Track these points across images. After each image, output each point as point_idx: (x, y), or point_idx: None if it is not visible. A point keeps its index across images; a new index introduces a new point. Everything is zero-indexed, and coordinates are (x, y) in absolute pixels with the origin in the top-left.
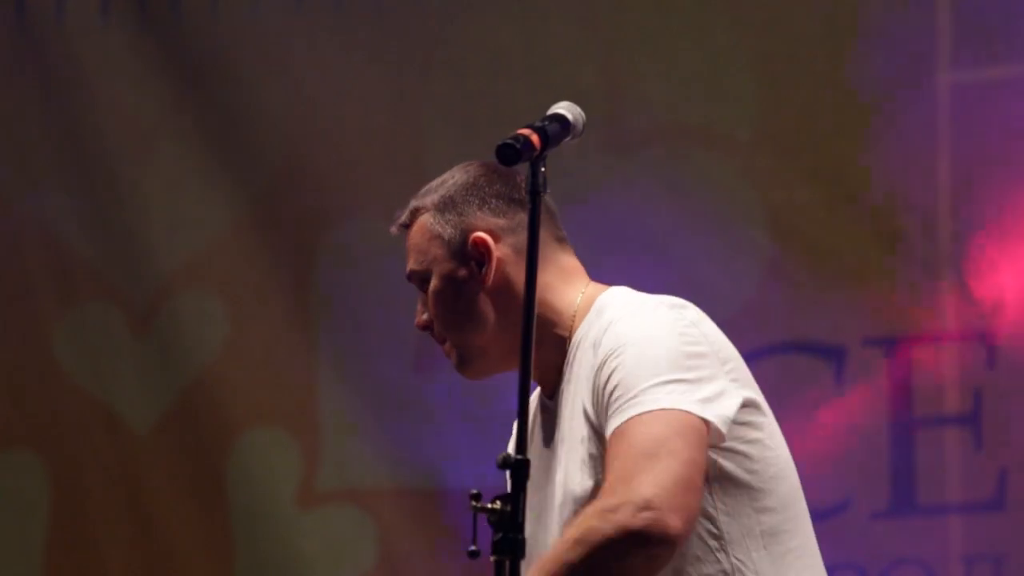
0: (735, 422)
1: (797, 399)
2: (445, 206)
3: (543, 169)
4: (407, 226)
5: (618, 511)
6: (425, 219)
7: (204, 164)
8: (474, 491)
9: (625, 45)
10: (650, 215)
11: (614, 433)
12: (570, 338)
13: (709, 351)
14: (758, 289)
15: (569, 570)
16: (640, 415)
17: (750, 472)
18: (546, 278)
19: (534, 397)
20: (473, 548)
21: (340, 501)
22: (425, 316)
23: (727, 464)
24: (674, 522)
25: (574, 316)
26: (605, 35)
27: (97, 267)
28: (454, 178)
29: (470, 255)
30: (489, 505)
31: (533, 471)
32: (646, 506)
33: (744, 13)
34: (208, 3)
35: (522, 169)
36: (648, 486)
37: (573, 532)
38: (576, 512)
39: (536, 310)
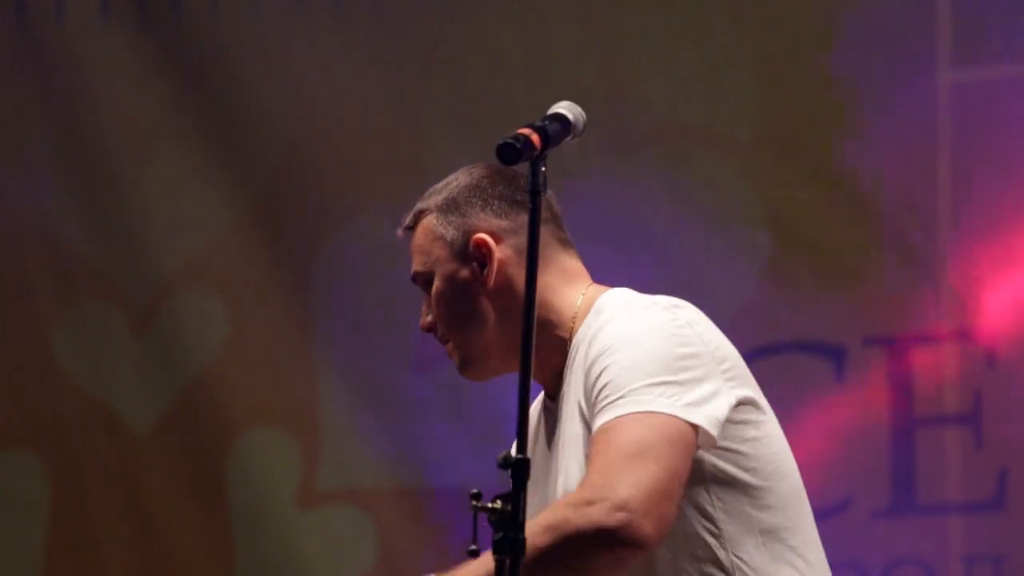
0: (730, 421)
1: (797, 398)
2: (448, 208)
3: (543, 169)
4: (411, 228)
5: (594, 507)
6: (429, 221)
7: (204, 164)
8: (474, 491)
9: (625, 45)
10: (650, 215)
11: (600, 429)
12: (571, 340)
13: (704, 351)
14: (758, 289)
15: (535, 553)
16: (627, 415)
17: (747, 470)
18: (547, 279)
19: (538, 399)
20: (473, 548)
21: (340, 501)
22: (429, 318)
23: (722, 464)
24: (647, 528)
25: (574, 317)
26: (605, 35)
27: (97, 267)
28: (457, 180)
29: (472, 256)
30: (490, 504)
31: (535, 471)
32: (622, 507)
33: (744, 13)
34: (208, 3)
35: (526, 171)
36: (628, 488)
37: (547, 518)
38: None
39: (537, 311)
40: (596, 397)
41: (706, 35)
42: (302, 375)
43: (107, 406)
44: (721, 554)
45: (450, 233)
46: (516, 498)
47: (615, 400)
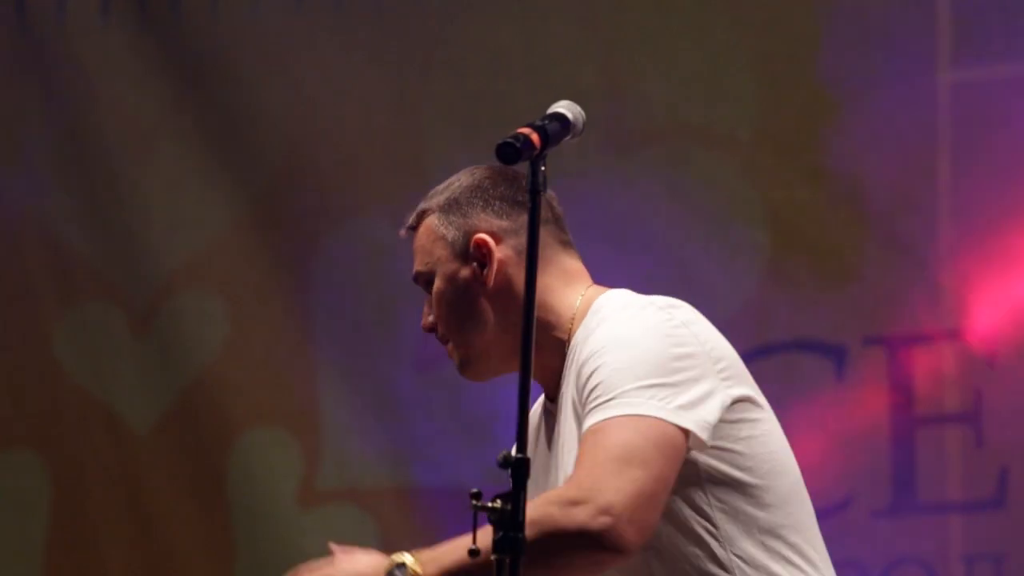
0: (725, 421)
1: (798, 398)
2: (450, 208)
3: (543, 168)
4: (414, 228)
5: (579, 508)
6: (431, 221)
7: (204, 164)
8: (474, 490)
9: (625, 45)
10: (650, 214)
11: (589, 430)
12: (569, 341)
13: (699, 351)
14: (758, 288)
15: None
16: (618, 417)
17: (743, 469)
18: (546, 280)
19: (539, 401)
20: (473, 547)
21: (340, 501)
22: (431, 318)
23: (717, 464)
24: (629, 534)
25: (572, 319)
26: (605, 35)
27: (97, 267)
28: (460, 181)
29: (472, 256)
30: (490, 504)
31: (535, 472)
32: (607, 511)
33: (744, 13)
34: (208, 3)
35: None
36: (614, 492)
37: (531, 512)
38: None
39: (536, 312)
40: (587, 397)
41: (706, 35)
42: (302, 375)
43: (107, 406)
44: (720, 552)
45: (451, 233)
46: (516, 497)
47: (606, 401)
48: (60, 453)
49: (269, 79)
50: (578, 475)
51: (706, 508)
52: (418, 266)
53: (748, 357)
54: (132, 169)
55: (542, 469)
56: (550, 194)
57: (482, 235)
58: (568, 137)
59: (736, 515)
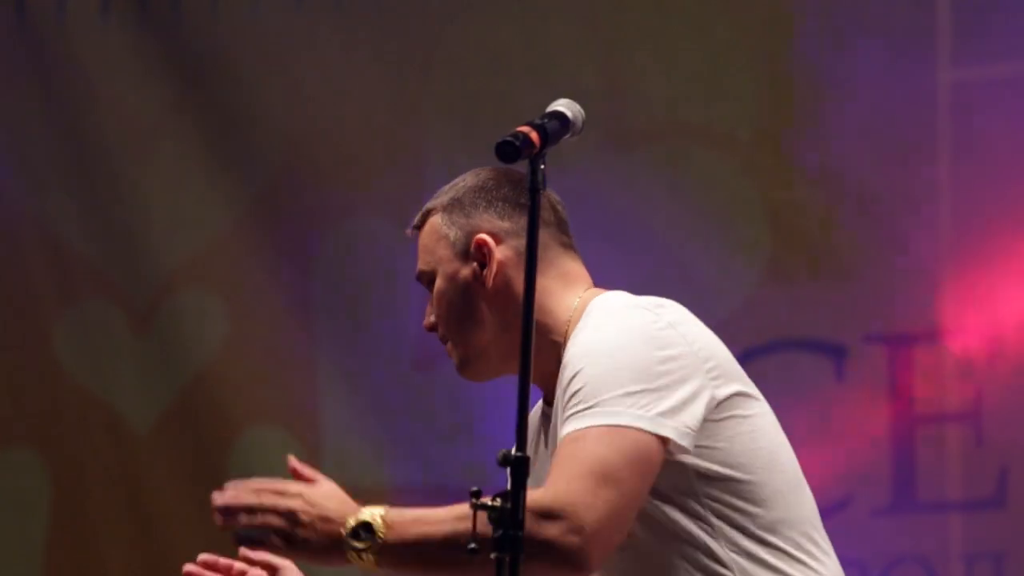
0: (713, 420)
1: (798, 397)
2: (453, 207)
3: (543, 167)
4: (419, 227)
5: (552, 522)
6: (435, 220)
7: (204, 164)
8: (474, 488)
9: (625, 44)
10: (650, 213)
11: (568, 437)
12: (565, 344)
13: (686, 351)
14: (758, 287)
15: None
16: (596, 428)
17: (735, 466)
18: (545, 282)
19: (538, 405)
20: (473, 545)
21: None
22: (432, 318)
23: (707, 464)
24: (594, 555)
25: (569, 321)
26: (605, 34)
27: (97, 266)
28: (465, 181)
29: (473, 256)
30: (489, 502)
31: (536, 473)
32: (579, 531)
33: (744, 12)
34: (208, 3)
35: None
36: (587, 511)
37: None
38: None
39: (535, 316)
40: (567, 402)
41: (706, 34)
42: (302, 374)
43: (107, 405)
44: (718, 550)
45: (453, 233)
46: (516, 496)
47: (585, 409)
48: (60, 453)
49: (269, 79)
50: (554, 486)
51: (699, 508)
52: (421, 265)
53: (748, 356)
54: (132, 169)
55: (542, 471)
56: (555, 198)
57: (483, 235)
58: (568, 136)
59: (732, 512)
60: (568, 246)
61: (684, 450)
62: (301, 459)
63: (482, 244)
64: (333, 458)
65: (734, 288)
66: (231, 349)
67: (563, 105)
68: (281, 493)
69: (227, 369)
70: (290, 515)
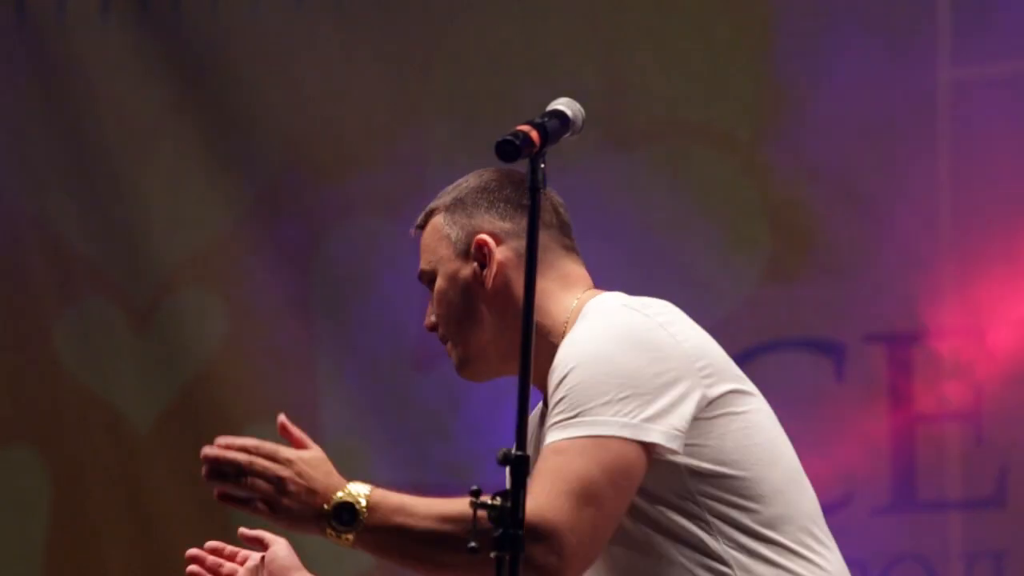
0: (704, 419)
1: (797, 395)
2: (455, 207)
3: (543, 166)
4: (422, 227)
5: (533, 542)
6: (437, 220)
7: (204, 164)
8: (474, 487)
9: (626, 42)
10: (650, 212)
11: (552, 448)
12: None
13: (676, 352)
14: (758, 286)
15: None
16: (580, 440)
17: (727, 463)
18: (545, 284)
19: (538, 407)
20: (473, 544)
21: None
22: (433, 317)
23: (698, 462)
24: (572, 573)
25: (566, 323)
26: (605, 33)
27: (97, 265)
28: (468, 182)
29: (473, 256)
30: (489, 501)
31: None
32: (559, 552)
33: (744, 11)
34: (208, 3)
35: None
36: (569, 532)
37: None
38: None
39: (534, 317)
40: (552, 408)
41: (706, 33)
42: (302, 373)
43: (108, 404)
44: (715, 546)
45: (455, 233)
46: (516, 495)
47: (568, 419)
48: (60, 452)
49: (269, 79)
50: (537, 502)
51: (694, 506)
52: (422, 264)
53: (748, 356)
54: (132, 169)
55: None
56: (557, 200)
57: (484, 236)
58: (568, 135)
59: (728, 509)
60: (570, 248)
61: (674, 451)
62: None
63: (482, 244)
64: (333, 458)
65: (734, 288)
66: (231, 348)
67: (563, 104)
68: (272, 457)
69: (227, 368)
70: (279, 483)
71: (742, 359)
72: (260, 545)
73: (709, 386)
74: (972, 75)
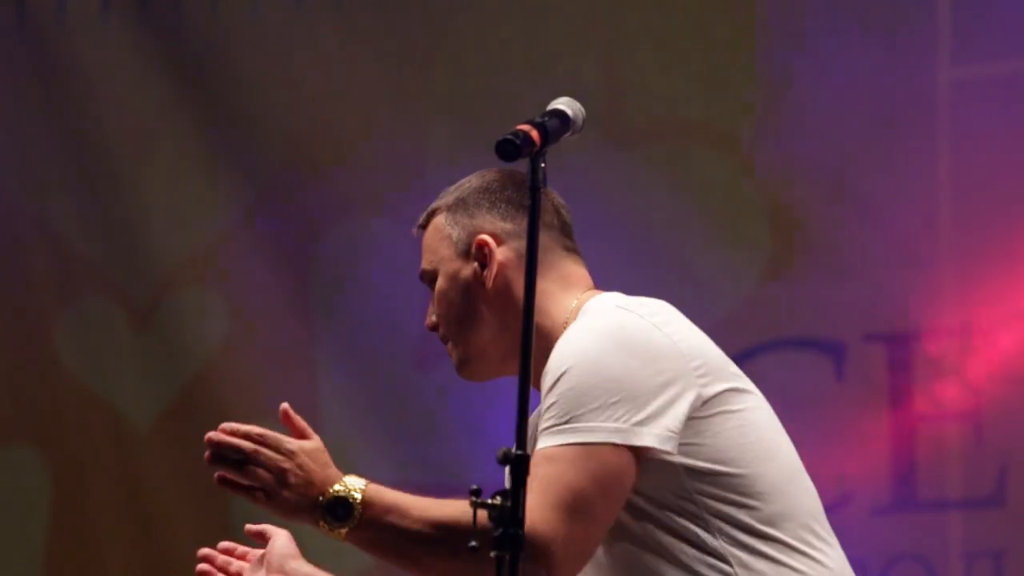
0: (699, 417)
1: (797, 396)
2: (457, 207)
3: (543, 165)
4: (424, 227)
5: (526, 555)
6: (439, 220)
7: (204, 163)
8: (474, 487)
9: (626, 41)
10: (650, 211)
11: (544, 455)
12: None
13: (670, 352)
14: (758, 285)
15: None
16: (571, 448)
17: (723, 461)
18: (545, 285)
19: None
20: (473, 543)
21: None
22: (434, 317)
23: (692, 461)
24: None
25: (565, 323)
26: (606, 31)
27: (97, 264)
28: (470, 182)
29: (474, 256)
30: (489, 501)
31: None
32: (548, 565)
33: (744, 11)
34: (208, 3)
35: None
36: (560, 548)
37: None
38: None
39: (534, 318)
40: (544, 413)
41: (706, 32)
42: (303, 372)
43: (108, 404)
44: (715, 544)
45: (456, 232)
46: (516, 494)
47: (560, 425)
48: (60, 451)
49: (269, 79)
50: (528, 515)
51: (692, 505)
52: (424, 264)
53: (748, 355)
54: (132, 169)
55: None
56: (559, 201)
57: (485, 236)
58: (568, 134)
59: (726, 506)
60: (571, 249)
61: (668, 453)
62: None
63: (483, 244)
64: (334, 455)
65: (734, 287)
66: (231, 348)
67: (563, 103)
68: (276, 448)
69: (227, 368)
70: (281, 474)
71: (742, 359)
72: (263, 539)
73: (704, 385)
74: (972, 75)
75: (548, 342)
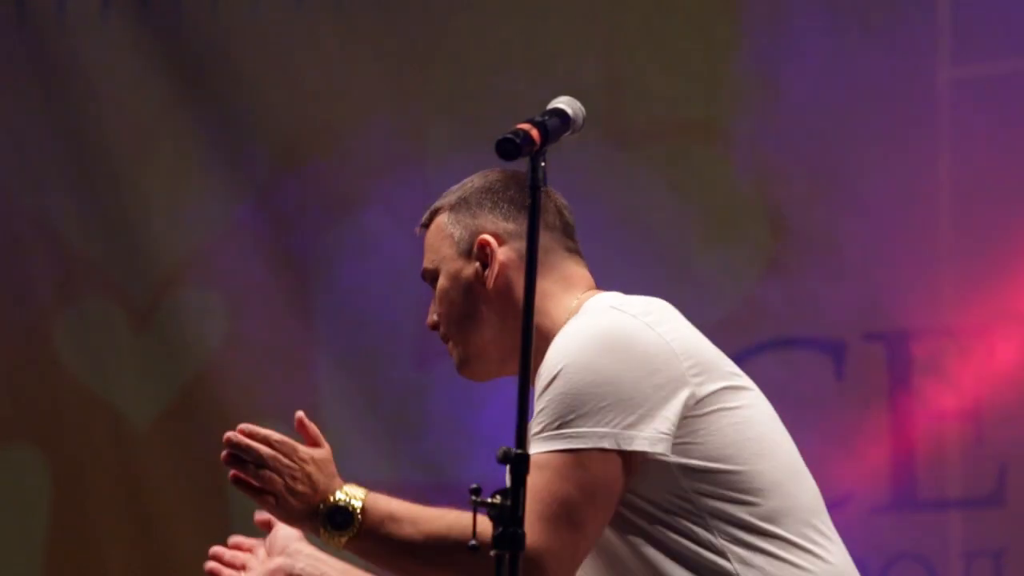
0: (694, 416)
1: (797, 394)
2: (459, 207)
3: (543, 164)
4: (426, 226)
5: (522, 568)
6: (441, 219)
7: (204, 162)
8: (474, 486)
9: (626, 40)
10: (650, 210)
11: (532, 460)
12: None
13: (664, 352)
14: (758, 284)
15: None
16: (560, 454)
17: (719, 459)
18: (545, 285)
19: None
20: (473, 543)
21: None
22: (435, 316)
23: (687, 460)
24: None
25: (565, 324)
26: (606, 32)
27: (97, 264)
28: (473, 182)
29: (476, 256)
30: (489, 500)
31: None
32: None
33: (744, 11)
34: (208, 3)
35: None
36: (551, 559)
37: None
38: None
39: (534, 318)
40: (536, 417)
41: (707, 31)
42: (302, 372)
43: (108, 403)
44: (714, 541)
45: (458, 232)
46: (515, 493)
47: (550, 431)
48: (60, 451)
49: (269, 79)
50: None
51: (690, 503)
52: (426, 263)
53: (748, 354)
54: (132, 168)
55: None
56: (561, 202)
57: (486, 236)
58: (568, 133)
59: (725, 504)
60: (572, 250)
61: (661, 454)
62: None
63: (485, 244)
64: (334, 455)
65: (734, 286)
66: (231, 348)
67: (564, 102)
68: (290, 456)
69: (227, 367)
70: (292, 482)
71: (742, 358)
72: (270, 528)
73: (699, 384)
74: (972, 75)
75: (548, 342)
